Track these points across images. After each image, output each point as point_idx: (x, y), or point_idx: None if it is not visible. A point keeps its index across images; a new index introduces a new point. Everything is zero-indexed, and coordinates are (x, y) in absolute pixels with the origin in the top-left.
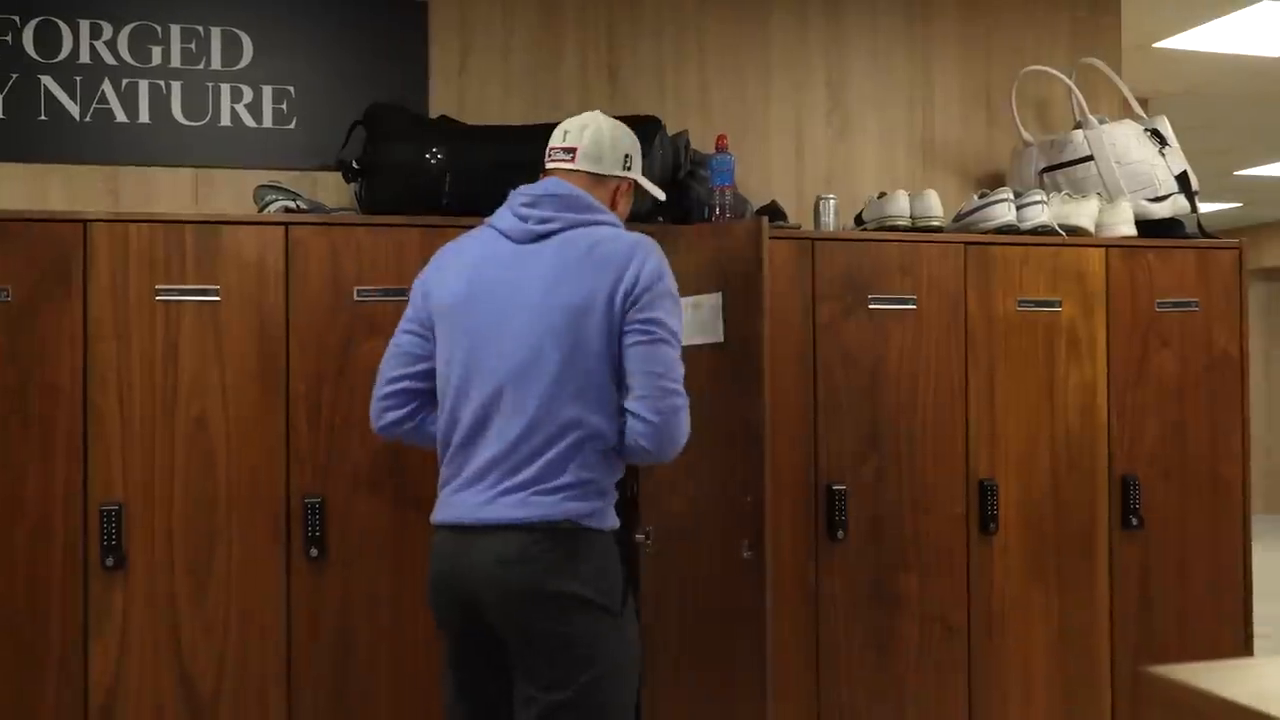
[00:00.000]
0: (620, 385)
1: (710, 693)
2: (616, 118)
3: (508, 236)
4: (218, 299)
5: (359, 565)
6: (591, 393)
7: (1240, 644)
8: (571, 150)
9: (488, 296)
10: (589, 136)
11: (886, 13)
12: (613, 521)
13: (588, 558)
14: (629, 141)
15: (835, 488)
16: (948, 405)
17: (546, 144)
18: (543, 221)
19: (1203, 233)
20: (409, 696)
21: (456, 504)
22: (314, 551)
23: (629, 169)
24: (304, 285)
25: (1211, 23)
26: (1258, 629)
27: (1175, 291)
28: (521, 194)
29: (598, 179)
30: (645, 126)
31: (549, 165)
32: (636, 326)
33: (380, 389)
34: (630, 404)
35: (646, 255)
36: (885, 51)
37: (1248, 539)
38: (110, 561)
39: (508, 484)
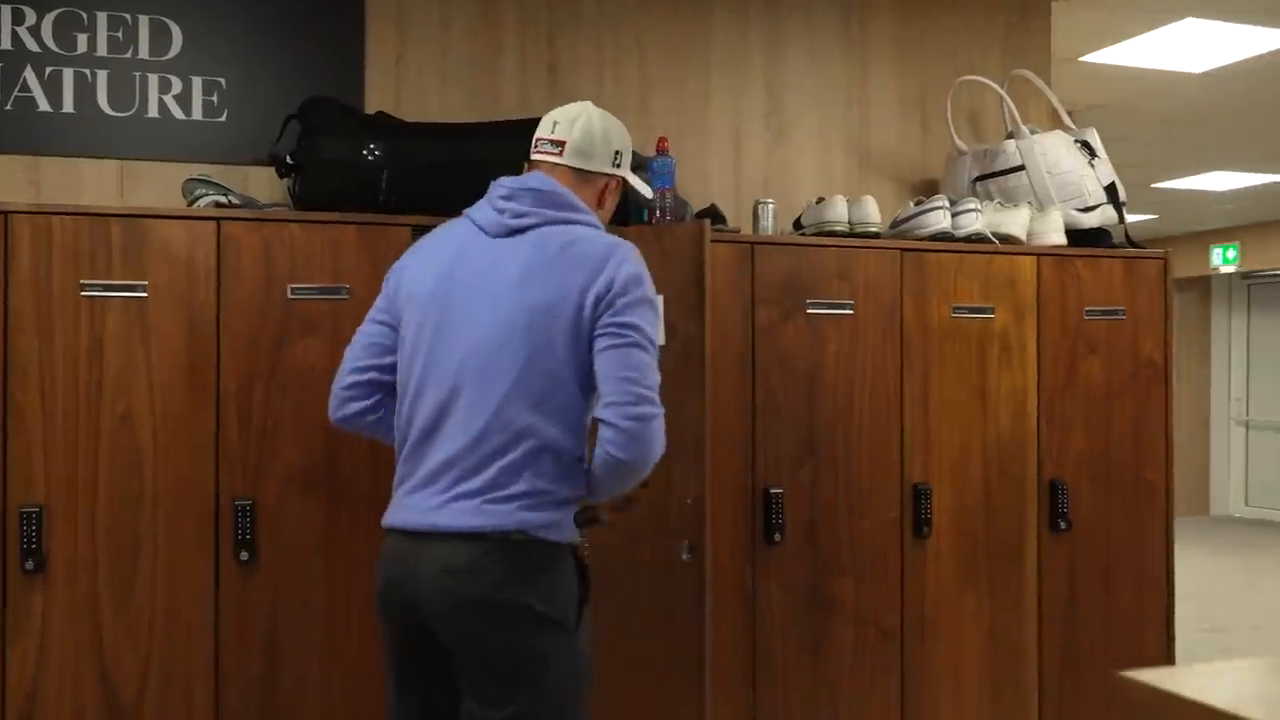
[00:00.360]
0: (589, 396)
1: (648, 694)
2: None
3: (483, 230)
4: (145, 295)
5: (290, 568)
6: (552, 401)
7: (1163, 644)
8: (560, 143)
9: (456, 291)
10: (579, 129)
11: (823, 13)
12: (570, 534)
13: (541, 570)
14: (620, 136)
15: (773, 491)
16: (883, 410)
17: (485, 141)
18: (518, 216)
19: (1130, 243)
20: (340, 703)
21: (408, 507)
22: (244, 555)
23: (619, 166)
24: (236, 282)
25: (1136, 38)
26: (1196, 628)
27: (1103, 300)
28: (501, 185)
29: (585, 176)
30: None
31: (534, 157)
32: (610, 330)
33: (343, 377)
34: (601, 412)
35: (624, 258)
36: (823, 53)
37: (1170, 542)
38: (30, 565)
39: (461, 489)
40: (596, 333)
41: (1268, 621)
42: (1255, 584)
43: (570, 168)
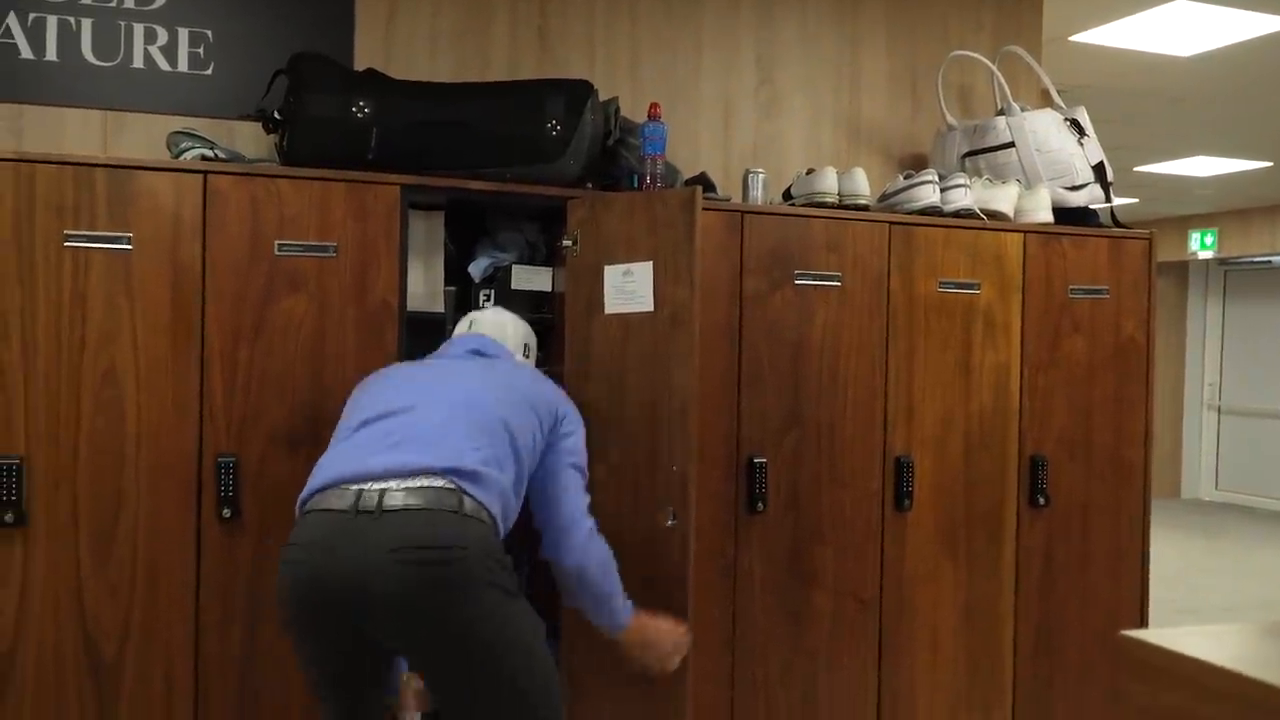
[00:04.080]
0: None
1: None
2: (548, 80)
3: (447, 355)
4: (130, 248)
5: (273, 526)
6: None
7: (1137, 621)
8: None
9: (420, 380)
10: (488, 326)
11: None
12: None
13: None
14: (528, 334)
15: (756, 460)
16: (868, 382)
17: (476, 102)
18: (479, 346)
19: (1116, 223)
20: None
21: None
22: (226, 512)
23: (527, 357)
24: (222, 237)
25: (1126, 19)
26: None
27: (1088, 279)
28: (450, 344)
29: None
30: (578, 90)
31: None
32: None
33: None
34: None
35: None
36: (814, 25)
37: (1147, 520)
38: (9, 518)
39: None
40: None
41: (1239, 603)
42: (1225, 567)
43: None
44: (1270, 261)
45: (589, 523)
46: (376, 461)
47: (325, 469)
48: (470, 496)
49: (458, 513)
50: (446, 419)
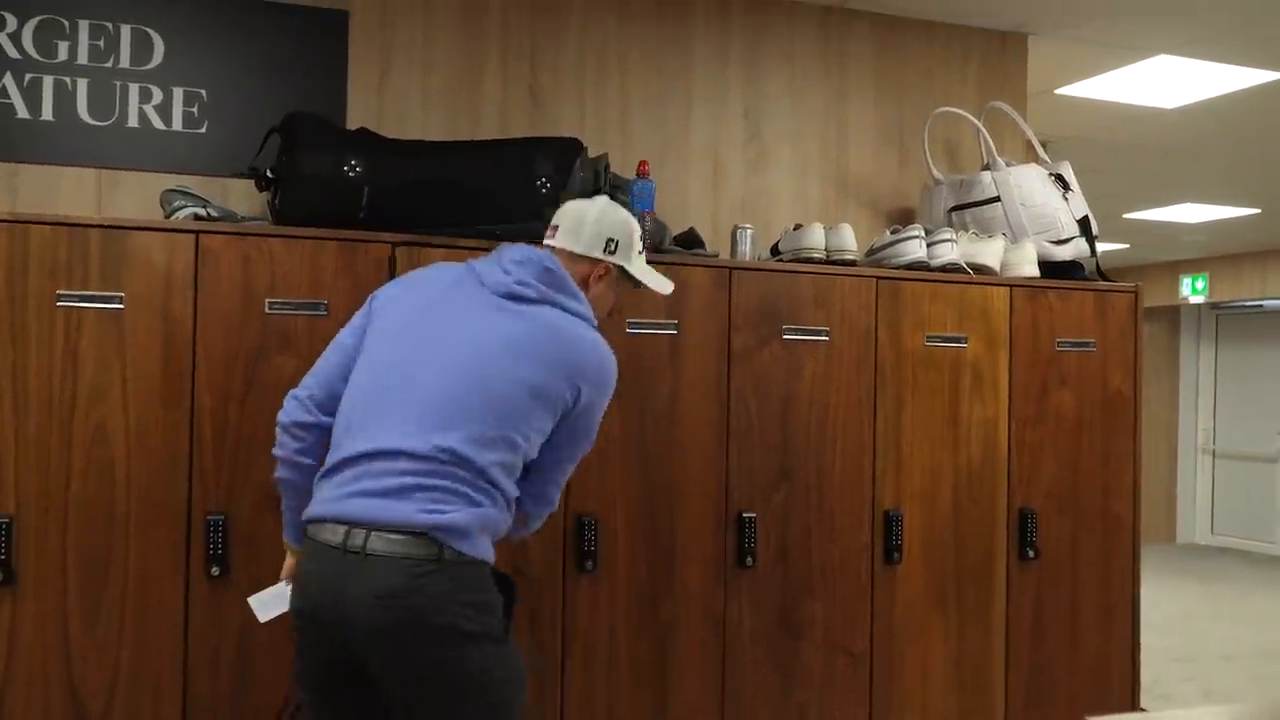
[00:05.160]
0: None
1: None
2: (537, 137)
3: (483, 282)
4: (121, 306)
5: (263, 584)
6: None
7: (1129, 676)
8: (555, 227)
9: (438, 322)
10: (571, 213)
11: (803, 42)
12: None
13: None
14: (617, 227)
15: (746, 515)
16: (856, 436)
17: (466, 160)
18: (521, 283)
19: (1101, 276)
20: None
21: None
22: (215, 570)
23: (611, 253)
24: (213, 295)
25: (1110, 73)
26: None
27: (1074, 332)
28: (513, 249)
29: (573, 258)
30: (567, 147)
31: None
32: (564, 434)
33: (306, 385)
34: (527, 501)
35: (601, 364)
36: (801, 81)
37: (1137, 574)
38: None
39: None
40: (555, 428)
41: (1236, 651)
42: (1222, 613)
43: (563, 250)
44: (1261, 305)
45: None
46: (359, 508)
47: (320, 497)
48: (450, 547)
49: (437, 560)
50: (441, 450)
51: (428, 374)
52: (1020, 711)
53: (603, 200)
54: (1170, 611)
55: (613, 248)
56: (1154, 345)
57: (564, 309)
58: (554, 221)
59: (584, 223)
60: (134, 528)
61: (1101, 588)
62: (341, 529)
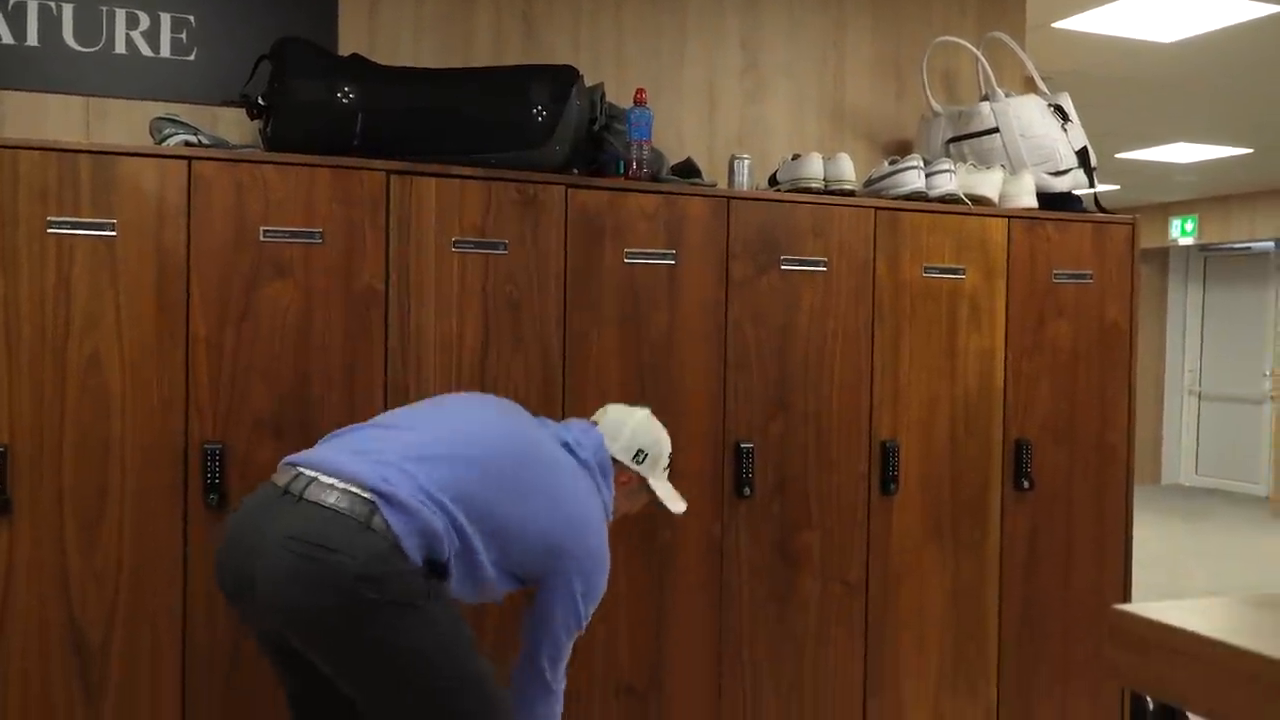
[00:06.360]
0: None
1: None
2: (533, 65)
3: (543, 424)
4: (114, 234)
5: None
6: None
7: (1120, 602)
8: (594, 423)
9: (491, 411)
10: (613, 414)
11: None
12: None
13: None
14: (648, 440)
15: (744, 445)
16: (854, 367)
17: (461, 88)
18: (579, 444)
19: (1100, 208)
20: None
21: None
22: (213, 498)
23: (639, 463)
24: (207, 223)
25: (1109, 5)
26: (1150, 594)
27: (1071, 264)
28: (575, 422)
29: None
30: (563, 75)
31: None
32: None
33: None
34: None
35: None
36: (799, 10)
37: (1130, 505)
38: None
39: None
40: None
41: (1221, 587)
42: (1206, 550)
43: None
44: (1250, 247)
45: (547, 678)
46: (331, 457)
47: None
48: (381, 516)
49: (363, 523)
50: (425, 454)
51: (461, 425)
52: (1014, 640)
53: (642, 413)
54: (1156, 550)
55: (641, 458)
56: (1143, 286)
57: (597, 486)
58: (594, 418)
59: (624, 426)
60: (130, 457)
61: (1095, 519)
62: (293, 471)
